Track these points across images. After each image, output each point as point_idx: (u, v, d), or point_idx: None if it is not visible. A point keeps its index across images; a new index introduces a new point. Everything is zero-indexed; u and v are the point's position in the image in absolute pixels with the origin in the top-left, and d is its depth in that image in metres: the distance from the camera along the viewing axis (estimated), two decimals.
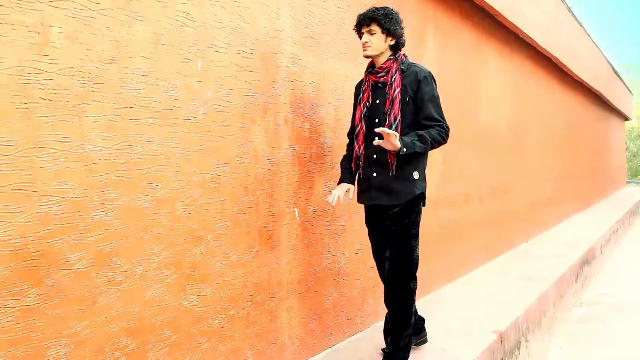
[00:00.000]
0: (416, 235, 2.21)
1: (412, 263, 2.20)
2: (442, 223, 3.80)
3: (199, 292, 1.89)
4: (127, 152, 1.64)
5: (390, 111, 2.10)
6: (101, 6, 1.55)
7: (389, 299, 2.25)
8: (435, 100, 2.15)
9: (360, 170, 2.23)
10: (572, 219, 7.98)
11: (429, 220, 3.55)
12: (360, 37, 2.17)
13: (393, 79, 2.11)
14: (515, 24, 4.77)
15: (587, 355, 3.57)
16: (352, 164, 2.24)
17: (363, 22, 2.13)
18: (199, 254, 1.88)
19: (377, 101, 2.17)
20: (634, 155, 25.22)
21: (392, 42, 2.15)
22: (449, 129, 2.17)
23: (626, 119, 16.03)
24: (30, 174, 1.39)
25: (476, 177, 4.44)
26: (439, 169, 3.72)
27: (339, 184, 2.29)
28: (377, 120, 2.16)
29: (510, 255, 5.07)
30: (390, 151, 2.06)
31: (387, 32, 2.11)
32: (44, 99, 1.42)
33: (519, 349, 3.09)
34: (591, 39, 8.84)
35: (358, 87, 2.32)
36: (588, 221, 7.71)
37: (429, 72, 2.18)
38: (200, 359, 1.89)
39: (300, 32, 2.38)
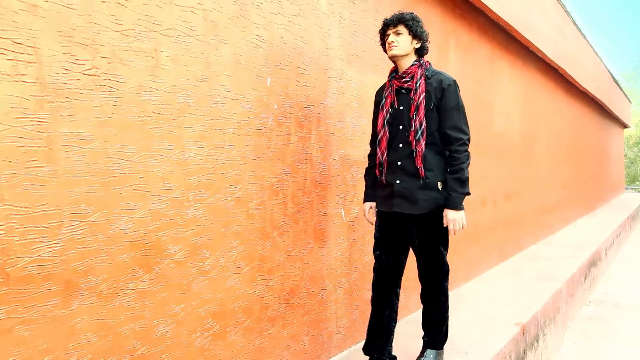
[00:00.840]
0: (445, 242, 2.20)
1: (443, 267, 2.22)
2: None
3: (267, 283, 2.13)
4: (214, 157, 1.88)
5: (415, 117, 2.07)
6: (196, 32, 1.80)
7: (426, 300, 2.29)
8: (460, 109, 2.13)
9: (384, 177, 2.18)
10: (577, 223, 8.25)
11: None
12: (385, 40, 2.16)
13: (418, 85, 2.08)
14: (528, 37, 5.04)
15: (598, 350, 3.81)
16: (376, 170, 2.21)
17: (390, 24, 2.12)
18: (267, 249, 2.12)
19: (401, 107, 2.14)
20: (632, 162, 25.59)
21: (418, 45, 2.14)
22: (469, 140, 2.14)
23: (625, 126, 16.37)
24: (144, 177, 1.63)
25: (492, 182, 4.69)
26: None
27: (364, 201, 2.33)
28: (401, 127, 2.13)
29: (521, 256, 5.31)
30: (417, 158, 2.06)
31: (414, 34, 2.10)
32: (155, 113, 1.66)
33: (537, 341, 3.33)
34: (594, 50, 9.14)
35: (379, 93, 2.28)
36: (592, 225, 7.97)
37: (454, 80, 2.15)
38: (267, 342, 2.12)
39: (346, 49, 2.63)
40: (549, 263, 4.92)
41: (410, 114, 2.09)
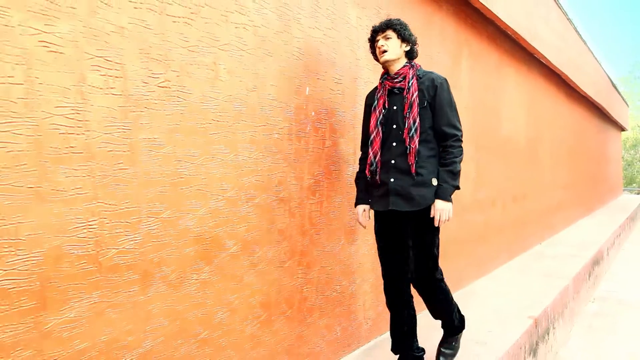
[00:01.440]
0: (437, 245, 2.21)
1: (436, 267, 2.22)
2: (473, 225, 4.23)
3: (306, 276, 2.30)
4: (262, 160, 2.06)
5: (409, 115, 2.09)
6: (248, 47, 1.98)
7: (424, 297, 2.29)
8: (453, 106, 2.16)
9: (378, 177, 2.18)
10: (578, 223, 8.45)
11: (463, 223, 3.99)
12: (375, 46, 2.20)
13: (410, 84, 2.12)
14: (533, 45, 5.24)
15: (603, 344, 3.99)
16: (367, 170, 2.20)
17: (379, 30, 2.17)
18: (305, 245, 2.30)
19: (395, 107, 2.16)
20: (629, 164, 25.89)
21: (407, 48, 2.18)
22: (462, 136, 2.17)
23: (623, 129, 16.62)
24: (205, 178, 1.81)
25: (500, 184, 4.88)
26: (472, 176, 4.15)
27: (356, 205, 2.32)
28: (394, 126, 2.15)
29: (527, 255, 5.50)
30: (410, 155, 2.09)
31: (402, 37, 2.15)
32: (214, 120, 1.84)
33: (548, 334, 3.51)
34: (593, 55, 9.36)
35: (370, 97, 2.30)
36: (593, 226, 8.18)
37: (445, 79, 2.18)
38: (305, 330, 2.30)
39: (373, 59, 2.81)
40: (554, 262, 5.10)
41: (404, 112, 2.12)
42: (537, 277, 4.42)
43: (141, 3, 1.58)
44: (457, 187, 2.13)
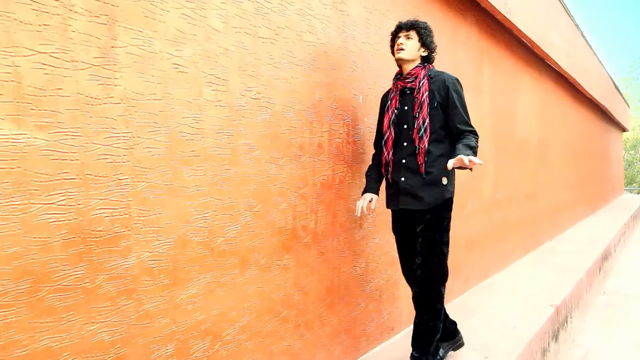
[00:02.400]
0: (447, 243, 2.21)
1: (443, 269, 2.20)
2: (493, 222, 4.50)
3: (360, 265, 2.57)
4: (327, 162, 2.33)
5: (419, 115, 2.12)
6: (317, 62, 2.25)
7: (419, 304, 2.23)
8: (465, 105, 2.18)
9: (390, 176, 2.24)
10: (584, 222, 8.73)
11: (484, 220, 4.26)
12: (395, 42, 2.23)
13: (421, 84, 2.14)
14: (545, 51, 5.52)
15: (615, 333, 4.27)
16: (382, 169, 2.28)
17: (403, 27, 2.20)
18: (359, 238, 2.57)
19: (406, 107, 2.20)
20: (630, 165, 26.24)
21: (425, 54, 2.21)
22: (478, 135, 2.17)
23: (624, 130, 16.93)
24: (286, 177, 2.08)
25: (516, 183, 5.16)
26: (492, 176, 4.43)
27: (363, 194, 2.32)
28: (405, 126, 2.19)
29: (540, 251, 5.78)
30: (419, 155, 2.12)
31: (423, 42, 2.19)
32: (292, 127, 2.11)
33: (567, 322, 3.79)
34: (598, 58, 9.65)
35: (385, 97, 2.36)
36: (599, 224, 8.46)
37: (456, 79, 2.20)
38: (359, 314, 2.57)
39: None
40: (567, 257, 5.38)
41: (414, 112, 2.14)
42: (553, 270, 4.70)
43: (240, 28, 1.85)
44: (479, 162, 1.95)
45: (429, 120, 2.12)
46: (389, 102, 2.26)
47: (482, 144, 4.21)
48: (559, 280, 4.30)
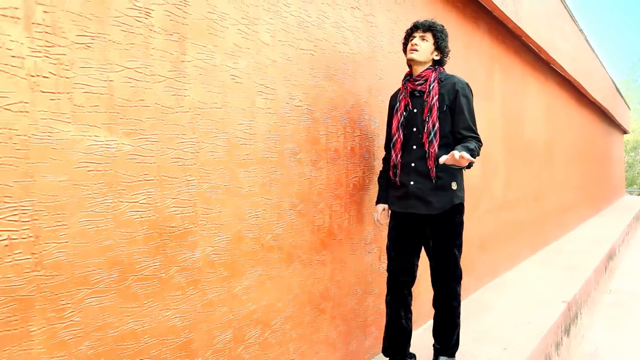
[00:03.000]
0: (459, 246, 2.21)
1: (456, 271, 2.23)
2: (504, 222, 4.66)
3: (386, 261, 2.73)
4: (359, 165, 2.48)
5: (428, 119, 2.10)
6: (349, 71, 2.41)
7: (436, 304, 2.30)
8: (472, 111, 2.17)
9: (398, 178, 2.22)
10: (588, 222, 8.90)
11: (495, 220, 4.42)
12: (409, 41, 2.20)
13: (431, 87, 2.12)
14: (552, 56, 5.69)
15: (622, 330, 4.42)
16: (390, 172, 2.26)
17: (420, 27, 2.16)
18: (385, 235, 2.72)
19: (415, 110, 2.19)
20: (630, 166, 26.44)
21: (437, 57, 2.20)
22: (480, 141, 2.16)
23: (625, 132, 17.12)
24: (324, 178, 2.24)
25: (524, 185, 5.32)
26: (503, 177, 4.59)
27: (376, 203, 2.38)
28: (414, 129, 2.17)
29: (547, 251, 5.94)
30: (429, 159, 2.10)
31: (438, 45, 2.16)
32: (329, 132, 2.27)
33: (577, 318, 3.94)
34: (600, 62, 9.83)
35: (394, 98, 2.34)
36: (602, 225, 8.63)
37: (467, 83, 2.19)
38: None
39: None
40: (573, 256, 5.54)
41: (424, 115, 2.13)
42: (561, 269, 4.85)
43: (285, 41, 2.01)
44: (472, 157, 1.99)
45: (439, 124, 2.11)
46: (398, 104, 2.24)
47: (494, 147, 4.37)
48: (567, 278, 4.46)
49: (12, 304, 1.16)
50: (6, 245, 1.15)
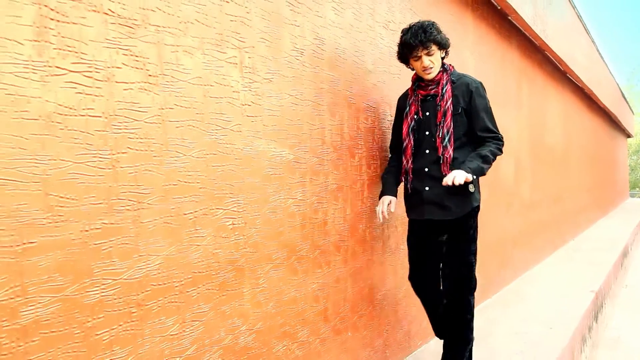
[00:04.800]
0: (475, 252, 2.15)
1: (471, 280, 2.15)
2: (530, 221, 5.09)
3: None
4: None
5: (442, 123, 2.04)
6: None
7: (448, 316, 2.20)
8: (489, 111, 2.11)
9: (410, 185, 2.17)
10: (599, 223, 9.33)
11: (524, 219, 4.84)
12: (412, 61, 2.08)
13: (444, 90, 2.06)
14: (571, 67, 6.14)
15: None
16: (401, 177, 2.21)
17: (420, 45, 2.00)
18: None
19: (427, 113, 2.12)
20: (632, 170, 26.95)
21: (444, 54, 2.11)
22: (503, 139, 2.13)
23: (629, 136, 17.58)
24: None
25: (546, 187, 5.75)
26: (529, 180, 5.02)
27: (380, 197, 2.25)
28: (427, 133, 2.11)
29: (565, 249, 6.36)
30: (443, 163, 2.04)
31: (443, 46, 2.06)
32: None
33: (602, 307, 4.36)
34: (608, 69, 10.29)
35: (402, 100, 2.27)
36: (613, 225, 9.06)
37: (480, 83, 2.13)
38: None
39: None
40: (592, 253, 5.96)
41: (437, 120, 2.06)
42: (583, 264, 5.28)
43: (382, 67, 2.44)
44: (482, 171, 2.03)
45: (453, 127, 2.05)
46: (408, 108, 2.17)
47: (523, 152, 4.80)
48: (590, 272, 4.88)
49: (233, 272, 1.58)
50: (231, 228, 1.57)
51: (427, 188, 2.11)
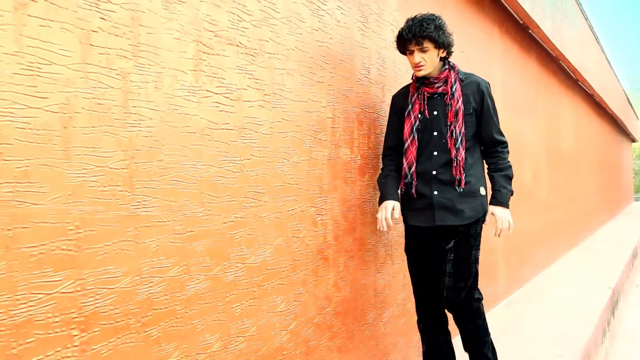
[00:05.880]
0: (478, 260, 2.03)
1: (476, 288, 2.03)
2: (548, 221, 5.35)
3: None
4: None
5: (454, 124, 1.92)
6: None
7: (461, 326, 2.07)
8: (496, 113, 2.05)
9: (414, 189, 1.99)
10: (607, 225, 9.58)
11: (543, 219, 5.10)
12: (406, 54, 1.96)
13: (454, 89, 1.93)
14: (583, 75, 6.41)
15: None
16: (402, 181, 2.02)
17: (412, 39, 1.88)
18: None
19: (435, 112, 1.97)
20: (636, 173, 27.19)
21: (444, 54, 1.96)
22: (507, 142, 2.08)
23: (633, 140, 17.84)
24: None
25: (562, 189, 6.01)
26: (546, 183, 5.28)
27: (380, 202, 2.03)
28: (435, 133, 1.96)
29: (578, 249, 6.61)
30: (456, 166, 1.92)
31: (441, 46, 1.90)
32: None
33: (617, 304, 4.61)
34: (616, 75, 10.56)
35: (401, 99, 2.07)
36: (621, 227, 9.31)
37: (488, 83, 2.06)
38: None
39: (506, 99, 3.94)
40: (604, 254, 6.21)
41: (448, 120, 1.93)
42: (597, 264, 5.53)
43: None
44: (512, 193, 2.02)
45: (464, 128, 1.94)
46: (411, 107, 2.00)
47: (540, 156, 5.07)
48: (604, 271, 5.13)
49: (321, 260, 1.85)
50: (320, 223, 1.84)
51: (435, 192, 1.95)
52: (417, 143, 1.98)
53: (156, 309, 1.25)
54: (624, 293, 5.23)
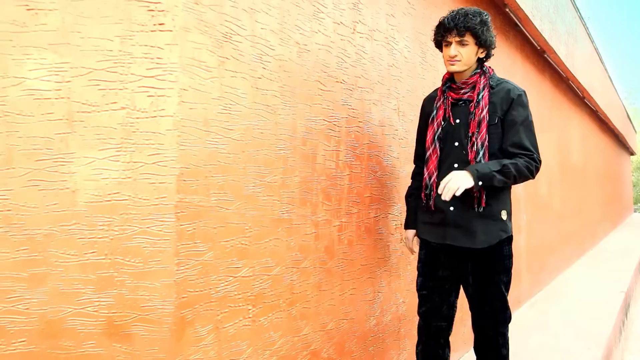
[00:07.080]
0: (508, 283, 1.84)
1: (505, 312, 1.84)
2: (561, 230, 5.70)
3: None
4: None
5: (477, 135, 1.74)
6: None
7: (481, 353, 1.90)
8: (529, 125, 1.79)
9: (432, 202, 1.84)
10: (611, 235, 9.95)
11: (556, 228, 5.46)
12: (442, 45, 1.81)
13: (481, 96, 1.76)
14: (590, 94, 6.82)
15: None
16: (422, 193, 1.88)
17: (454, 29, 1.73)
18: None
19: (458, 120, 1.82)
20: (635, 185, 27.68)
21: (483, 55, 1.80)
22: (540, 162, 1.80)
23: (632, 153, 18.31)
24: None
25: (572, 201, 6.38)
26: (559, 195, 5.65)
27: (406, 227, 2.03)
28: (456, 143, 1.81)
29: (587, 257, 6.96)
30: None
31: (482, 43, 1.76)
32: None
33: (629, 306, 4.94)
34: (616, 91, 11.02)
35: (430, 103, 1.94)
36: (624, 237, 9.68)
37: (524, 91, 1.83)
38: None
39: None
40: (612, 261, 6.56)
41: (471, 130, 1.76)
42: (606, 271, 5.87)
43: None
44: (491, 180, 1.68)
45: (488, 140, 1.75)
46: (435, 112, 1.87)
47: (554, 170, 5.44)
48: (614, 277, 5.47)
49: (395, 260, 2.19)
50: (395, 228, 2.18)
51: (451, 208, 1.79)
52: (438, 152, 1.84)
53: (295, 293, 1.59)
54: (634, 298, 5.57)
